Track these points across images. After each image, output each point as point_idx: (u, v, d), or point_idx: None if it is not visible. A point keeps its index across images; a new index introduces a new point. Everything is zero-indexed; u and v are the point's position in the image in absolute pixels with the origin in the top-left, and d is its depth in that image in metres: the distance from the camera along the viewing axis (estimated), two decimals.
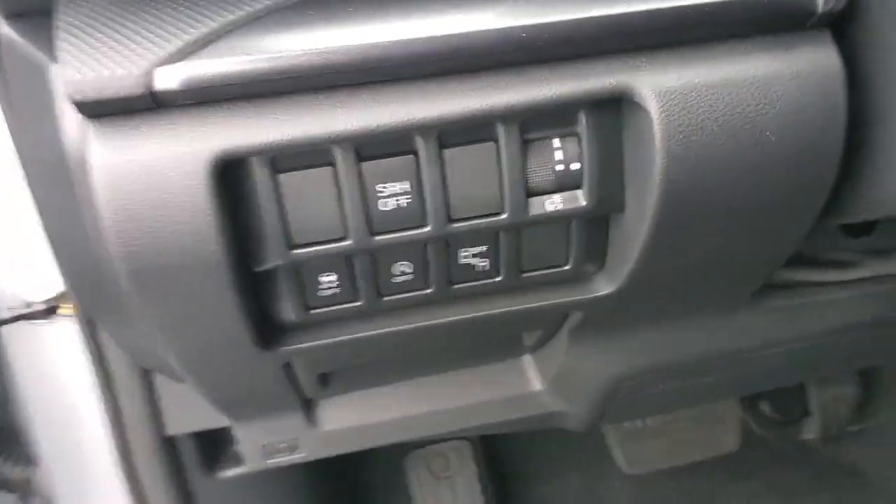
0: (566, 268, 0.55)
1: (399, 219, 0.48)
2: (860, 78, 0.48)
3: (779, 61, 0.46)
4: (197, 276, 0.46)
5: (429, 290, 0.54)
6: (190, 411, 0.73)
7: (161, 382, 0.73)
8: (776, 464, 1.42)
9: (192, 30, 0.43)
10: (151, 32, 0.42)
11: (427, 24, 0.44)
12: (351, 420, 0.76)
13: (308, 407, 0.74)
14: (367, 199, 0.47)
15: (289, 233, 0.48)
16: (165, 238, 0.44)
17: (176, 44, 0.42)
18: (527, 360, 0.77)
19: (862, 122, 0.48)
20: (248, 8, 0.44)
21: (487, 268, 0.53)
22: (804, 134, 0.47)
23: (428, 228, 0.49)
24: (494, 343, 0.71)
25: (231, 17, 0.43)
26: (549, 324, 0.65)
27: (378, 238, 0.49)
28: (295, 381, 0.64)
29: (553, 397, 0.77)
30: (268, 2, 0.44)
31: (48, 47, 0.45)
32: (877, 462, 1.38)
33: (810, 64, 0.47)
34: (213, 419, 0.73)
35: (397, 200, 0.48)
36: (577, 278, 0.57)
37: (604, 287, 0.56)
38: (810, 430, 1.41)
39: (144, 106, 0.42)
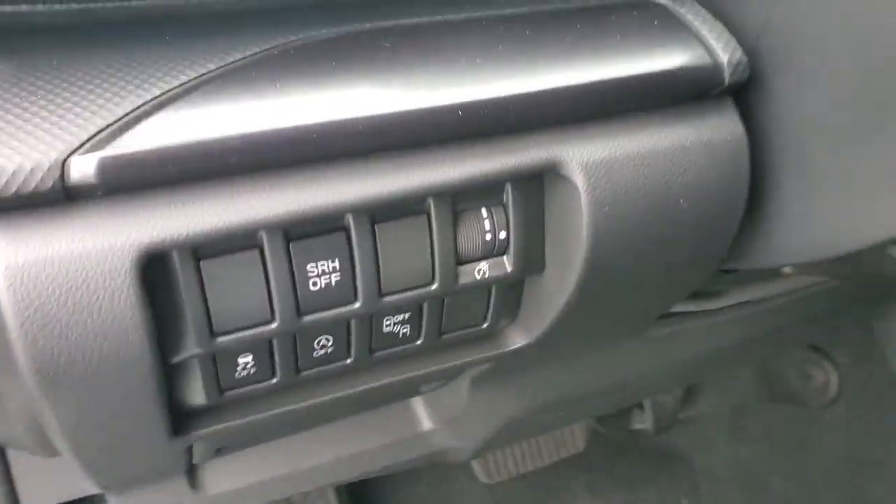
0: (483, 326, 0.55)
1: (328, 297, 0.46)
2: (757, 141, 0.51)
3: (691, 130, 0.49)
4: (113, 374, 0.41)
5: (348, 360, 0.52)
6: (50, 484, 0.67)
7: (14, 456, 0.65)
8: (618, 457, 1.51)
9: (106, 113, 0.38)
10: (62, 117, 0.37)
11: (358, 102, 0.42)
12: (237, 480, 0.72)
13: (192, 471, 0.69)
14: (295, 280, 0.45)
15: (211, 320, 0.44)
16: (83, 341, 0.39)
17: (89, 129, 0.37)
18: (416, 400, 0.76)
19: (758, 182, 0.52)
20: (164, 86, 0.40)
21: (408, 333, 0.52)
22: (713, 197, 0.50)
23: (357, 305, 0.47)
24: (391, 392, 0.70)
25: (148, 97, 0.39)
26: (453, 374, 0.65)
27: (306, 318, 0.46)
28: (189, 455, 0.60)
29: (444, 436, 0.77)
30: (184, 78, 0.40)
31: None
32: (702, 449, 1.51)
33: (718, 131, 0.50)
34: (77, 490, 0.67)
35: (327, 279, 0.45)
36: (491, 335, 0.57)
37: (518, 341, 0.57)
38: (643, 421, 1.52)
39: (57, 199, 0.37)
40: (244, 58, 0.42)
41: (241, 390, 0.50)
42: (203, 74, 0.41)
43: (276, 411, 0.52)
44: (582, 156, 0.46)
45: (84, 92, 0.39)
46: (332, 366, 0.51)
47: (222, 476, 0.72)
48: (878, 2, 0.43)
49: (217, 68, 0.41)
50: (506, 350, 0.57)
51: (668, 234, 0.50)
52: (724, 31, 0.49)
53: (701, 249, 0.53)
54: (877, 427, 1.33)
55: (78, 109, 0.38)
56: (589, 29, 0.48)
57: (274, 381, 0.50)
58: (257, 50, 0.42)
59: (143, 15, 0.45)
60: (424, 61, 0.44)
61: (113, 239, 0.38)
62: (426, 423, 0.76)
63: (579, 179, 0.46)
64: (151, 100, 0.39)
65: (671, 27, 0.49)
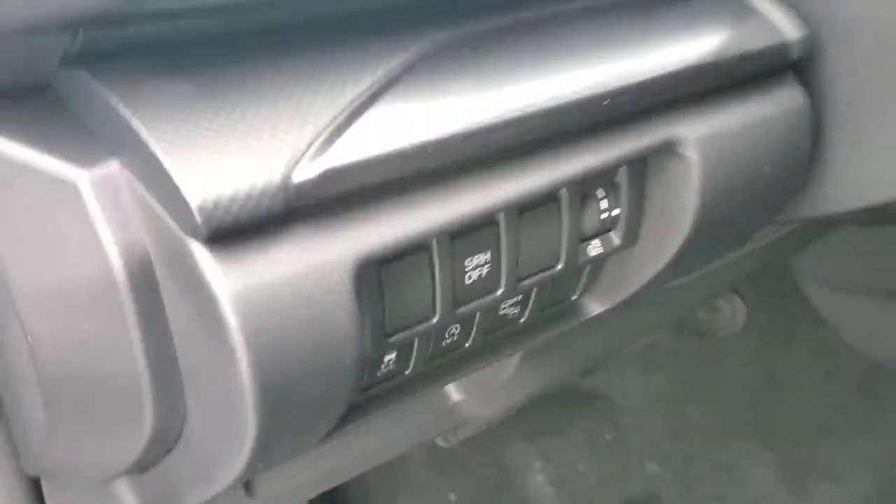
0: (573, 299, 0.59)
1: (478, 288, 0.48)
2: (816, 107, 0.58)
3: (769, 102, 0.54)
4: (321, 382, 0.41)
5: (467, 345, 0.53)
6: None
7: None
8: (548, 403, 1.60)
9: (311, 126, 0.37)
10: (271, 133, 0.36)
11: (519, 99, 0.44)
12: (285, 480, 0.72)
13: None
14: (455, 276, 0.46)
15: (384, 322, 0.44)
16: (305, 356, 0.38)
17: (301, 143, 0.37)
18: None
19: (817, 142, 0.59)
20: (356, 90, 0.39)
21: (518, 313, 0.55)
22: (786, 160, 0.56)
23: (500, 291, 0.49)
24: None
25: (344, 103, 0.39)
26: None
27: (459, 311, 0.47)
28: None
29: (473, 406, 0.79)
30: (369, 82, 0.40)
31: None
32: (621, 386, 1.63)
33: (789, 101, 0.56)
34: None
35: (479, 271, 0.47)
36: (574, 306, 0.60)
37: (595, 309, 0.61)
38: None
39: (277, 217, 0.36)
40: (414, 58, 0.42)
41: (379, 386, 0.51)
42: (385, 79, 0.41)
43: (400, 403, 0.53)
44: (696, 133, 0.51)
45: (280, 105, 0.38)
46: (454, 352, 0.53)
47: (272, 476, 0.71)
48: None
49: (399, 70, 0.41)
50: (582, 319, 0.61)
51: (754, 197, 0.55)
52: (792, 14, 0.54)
53: (771, 206, 0.59)
54: (786, 353, 1.51)
55: (282, 125, 0.37)
56: (679, 16, 0.52)
57: (407, 373, 0.51)
58: (421, 48, 0.43)
59: (291, 25, 0.43)
60: (559, 57, 0.47)
61: (331, 253, 0.38)
62: (455, 395, 0.79)
63: (695, 154, 0.50)
64: (349, 105, 0.39)
65: (749, 12, 0.54)
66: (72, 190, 0.38)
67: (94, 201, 0.38)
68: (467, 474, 1.49)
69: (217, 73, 0.39)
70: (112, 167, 0.39)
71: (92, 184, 0.38)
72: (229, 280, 0.36)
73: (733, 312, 1.48)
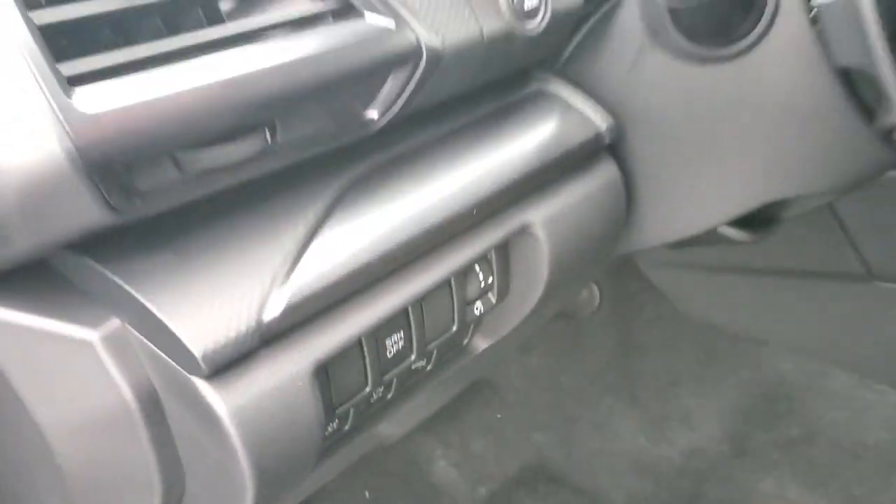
0: (464, 343, 0.75)
1: (396, 358, 0.62)
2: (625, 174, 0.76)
3: (593, 178, 0.72)
4: (295, 456, 0.55)
5: (389, 397, 0.68)
6: None
7: None
8: None
9: (270, 267, 0.51)
10: (238, 284, 0.49)
11: (423, 216, 0.59)
12: None
13: None
14: (379, 354, 0.60)
15: (332, 399, 0.58)
16: (287, 441, 0.52)
17: (265, 276, 0.50)
18: None
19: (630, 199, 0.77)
20: (302, 229, 0.53)
21: (424, 365, 0.70)
22: (608, 219, 0.74)
23: (413, 357, 0.64)
24: None
25: (298, 241, 0.52)
26: None
27: (385, 377, 0.62)
28: None
29: (392, 428, 0.94)
30: (311, 219, 0.54)
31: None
32: (500, 369, 1.81)
33: (605, 176, 0.73)
34: None
35: (396, 345, 0.62)
36: (468, 348, 0.76)
37: (481, 347, 0.77)
38: None
39: (256, 346, 0.50)
40: (330, 202, 0.56)
41: (329, 438, 0.65)
42: (312, 223, 0.54)
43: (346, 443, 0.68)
44: (541, 216, 0.67)
45: (242, 260, 0.51)
46: (380, 404, 0.68)
47: None
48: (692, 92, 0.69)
49: (321, 213, 0.55)
50: (474, 356, 0.77)
51: (589, 252, 0.73)
52: (600, 109, 0.72)
53: (602, 254, 0.77)
54: (635, 324, 1.74)
55: (246, 277, 0.50)
56: (519, 126, 0.68)
57: (346, 428, 0.65)
58: (332, 192, 0.57)
59: (236, 187, 0.56)
60: (437, 184, 0.62)
61: (295, 365, 0.52)
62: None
63: (542, 232, 0.67)
64: (292, 249, 0.52)
65: (570, 113, 0.71)
66: (87, 347, 0.50)
67: (105, 354, 0.50)
68: (377, 472, 1.64)
69: (188, 239, 0.51)
70: (115, 324, 0.51)
71: (102, 340, 0.50)
72: (226, 402, 0.49)
73: (590, 296, 1.71)
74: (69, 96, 0.42)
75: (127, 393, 0.51)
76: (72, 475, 0.54)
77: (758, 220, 0.78)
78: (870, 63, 0.54)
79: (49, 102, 0.42)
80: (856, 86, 0.62)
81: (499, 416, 1.77)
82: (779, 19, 0.60)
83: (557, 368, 1.78)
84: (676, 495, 1.53)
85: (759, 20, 0.60)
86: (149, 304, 0.48)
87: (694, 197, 0.74)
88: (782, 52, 0.61)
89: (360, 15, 0.54)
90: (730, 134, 0.69)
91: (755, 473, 1.50)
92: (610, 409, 1.68)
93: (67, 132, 0.42)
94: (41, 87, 0.42)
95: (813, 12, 0.58)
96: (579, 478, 1.61)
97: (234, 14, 0.54)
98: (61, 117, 0.42)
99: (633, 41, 0.70)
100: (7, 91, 0.41)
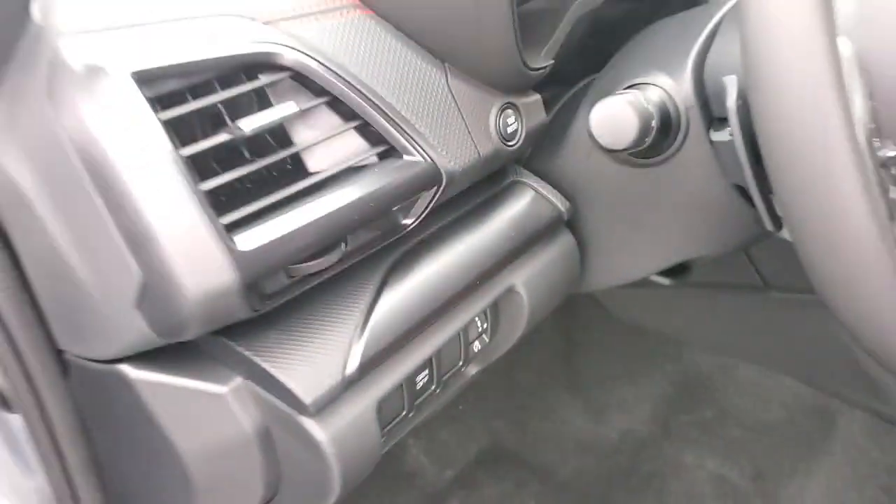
0: (462, 370, 0.98)
1: (422, 389, 0.86)
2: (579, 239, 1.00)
3: (556, 246, 0.96)
4: (365, 471, 0.78)
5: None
6: None
7: None
8: None
9: (347, 328, 0.74)
10: (326, 345, 0.72)
11: (439, 288, 0.82)
12: None
13: None
14: (412, 387, 0.84)
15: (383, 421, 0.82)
16: (362, 459, 0.75)
17: (344, 341, 0.73)
18: None
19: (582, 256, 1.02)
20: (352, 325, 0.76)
21: (434, 388, 0.93)
22: (569, 276, 0.98)
23: (433, 387, 0.87)
24: None
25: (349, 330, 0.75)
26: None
27: (415, 402, 0.85)
28: None
29: None
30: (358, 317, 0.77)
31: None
32: None
33: (564, 244, 0.97)
34: None
35: (423, 380, 0.85)
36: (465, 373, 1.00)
37: (472, 372, 1.00)
38: None
39: (343, 389, 0.72)
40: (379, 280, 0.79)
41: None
42: (368, 301, 0.77)
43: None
44: (521, 278, 0.91)
45: (327, 329, 0.73)
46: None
47: None
48: (627, 184, 0.93)
49: (380, 283, 0.78)
50: (468, 378, 1.01)
51: (555, 298, 0.97)
52: (559, 194, 0.96)
53: (563, 297, 1.02)
54: (577, 324, 1.98)
55: (332, 340, 0.73)
56: (502, 211, 0.92)
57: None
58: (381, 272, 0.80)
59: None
60: (450, 263, 0.85)
61: (367, 401, 0.74)
62: None
63: (522, 290, 0.91)
64: (365, 312, 0.75)
65: (538, 199, 0.95)
66: (219, 398, 0.72)
67: (233, 402, 0.72)
68: None
69: (287, 316, 0.73)
70: (238, 381, 0.73)
71: (230, 393, 0.72)
72: (325, 432, 0.71)
73: None
74: (232, 240, 0.64)
75: (248, 429, 0.72)
76: (199, 487, 0.76)
77: (676, 269, 1.04)
78: (745, 183, 0.78)
79: (219, 245, 0.63)
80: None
81: (460, 407, 1.99)
82: (687, 143, 0.84)
83: (511, 366, 1.98)
84: (615, 469, 1.70)
85: (674, 143, 0.85)
86: (268, 367, 0.70)
87: (630, 256, 0.99)
88: (691, 165, 0.85)
89: (399, 156, 0.77)
90: (655, 214, 0.94)
91: (679, 449, 1.70)
92: (557, 399, 1.91)
93: (232, 265, 0.63)
94: (214, 235, 0.63)
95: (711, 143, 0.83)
96: (532, 457, 1.78)
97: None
98: (227, 255, 0.63)
99: (584, 146, 0.94)
100: (191, 239, 0.62)
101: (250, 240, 0.64)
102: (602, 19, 0.99)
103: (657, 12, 0.96)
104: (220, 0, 0.69)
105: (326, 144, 0.73)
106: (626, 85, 0.86)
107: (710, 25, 0.85)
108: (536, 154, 0.99)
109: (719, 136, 0.80)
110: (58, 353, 0.76)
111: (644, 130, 0.77)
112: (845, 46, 0.68)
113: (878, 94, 0.68)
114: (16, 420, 0.84)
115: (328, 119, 0.74)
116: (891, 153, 0.68)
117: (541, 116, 0.92)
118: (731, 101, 0.73)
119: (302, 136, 0.72)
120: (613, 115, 0.77)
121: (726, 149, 0.80)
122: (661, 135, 0.82)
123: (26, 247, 0.68)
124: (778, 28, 0.56)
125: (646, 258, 0.98)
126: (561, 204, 0.96)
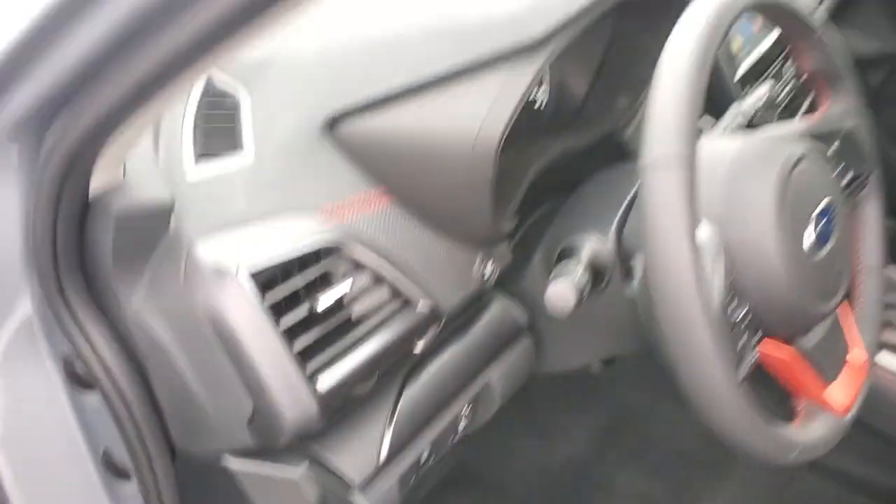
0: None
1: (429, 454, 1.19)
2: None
3: (515, 349, 1.31)
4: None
5: None
6: None
7: None
8: None
9: (380, 425, 1.07)
10: (361, 436, 1.05)
11: (440, 393, 1.16)
12: None
13: None
14: (424, 458, 1.17)
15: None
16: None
17: (377, 435, 1.07)
18: None
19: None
20: None
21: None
22: (526, 368, 1.33)
23: (431, 460, 1.21)
24: None
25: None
26: None
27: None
28: None
29: None
30: None
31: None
32: None
33: (525, 345, 1.31)
34: None
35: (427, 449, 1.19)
36: None
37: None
38: None
39: (379, 470, 1.06)
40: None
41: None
42: (396, 397, 1.11)
43: None
44: (495, 377, 1.25)
45: (363, 425, 1.07)
46: None
47: None
48: None
49: (398, 391, 1.11)
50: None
51: (518, 383, 1.32)
52: (520, 309, 1.30)
53: (524, 381, 1.36)
54: None
55: (366, 432, 1.06)
56: (482, 328, 1.26)
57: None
58: None
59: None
60: (450, 367, 1.19)
61: (396, 475, 1.08)
62: None
63: (498, 385, 1.25)
64: (391, 411, 1.09)
65: (507, 315, 1.29)
66: (292, 482, 1.04)
67: (303, 484, 1.04)
68: None
69: (339, 419, 1.07)
70: (305, 466, 1.05)
71: (301, 477, 1.04)
72: (369, 502, 1.05)
73: None
74: (314, 384, 0.96)
75: (312, 500, 1.05)
76: None
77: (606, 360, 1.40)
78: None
79: (306, 388, 0.96)
80: None
81: None
82: (611, 286, 1.19)
83: None
84: (561, 487, 1.91)
85: (601, 285, 1.20)
86: (327, 455, 1.03)
87: (574, 350, 1.35)
88: (615, 298, 1.21)
89: (414, 304, 1.10)
90: (592, 324, 1.28)
91: (614, 471, 1.94)
92: (513, 429, 2.26)
93: (314, 400, 0.96)
94: (302, 381, 0.95)
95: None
96: (491, 477, 2.00)
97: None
98: (312, 395, 0.96)
99: (541, 273, 1.29)
100: (288, 385, 0.95)
101: (325, 382, 0.97)
102: (553, 169, 1.33)
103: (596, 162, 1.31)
104: (290, 193, 1.01)
105: (363, 300, 1.06)
106: (569, 240, 1.21)
107: (630, 195, 1.20)
108: (502, 274, 1.33)
109: (632, 286, 1.15)
110: (169, 444, 1.08)
111: (580, 299, 1.12)
112: (711, 231, 1.02)
113: (735, 268, 1.03)
114: (130, 488, 1.15)
115: (366, 280, 1.07)
116: (742, 313, 1.04)
117: (508, 258, 1.26)
118: (638, 272, 1.08)
119: (349, 296, 1.05)
120: (560, 293, 1.11)
121: (638, 297, 1.15)
122: (594, 284, 1.17)
123: (160, 381, 1.00)
124: (655, 220, 0.85)
125: (585, 353, 1.34)
126: (523, 316, 1.31)
